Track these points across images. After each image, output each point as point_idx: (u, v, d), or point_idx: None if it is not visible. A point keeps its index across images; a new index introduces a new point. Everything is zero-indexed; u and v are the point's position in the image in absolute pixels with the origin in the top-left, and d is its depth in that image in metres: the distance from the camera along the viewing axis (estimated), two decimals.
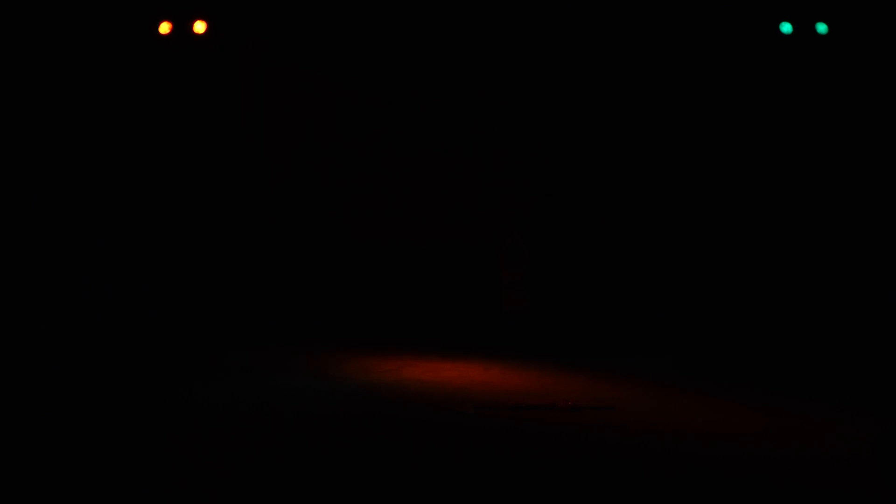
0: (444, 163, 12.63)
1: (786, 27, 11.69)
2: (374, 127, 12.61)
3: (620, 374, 9.57)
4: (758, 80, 12.05)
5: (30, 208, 11.51)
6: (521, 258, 10.97)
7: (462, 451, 6.56)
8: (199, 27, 11.68)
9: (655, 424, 7.38)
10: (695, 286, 12.06)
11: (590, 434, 7.08)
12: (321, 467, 6.17)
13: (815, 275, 11.62)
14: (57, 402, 7.88)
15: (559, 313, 11.55)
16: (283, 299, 12.31)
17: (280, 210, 12.70)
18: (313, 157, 12.60)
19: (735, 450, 6.67)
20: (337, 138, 12.62)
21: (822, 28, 11.64)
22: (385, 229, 12.61)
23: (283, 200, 12.66)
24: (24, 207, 11.49)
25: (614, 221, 12.40)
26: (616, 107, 12.29)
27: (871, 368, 9.53)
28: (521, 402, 7.96)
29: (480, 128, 12.63)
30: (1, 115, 11.54)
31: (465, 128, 12.63)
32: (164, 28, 11.67)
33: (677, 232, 12.23)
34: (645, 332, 11.97)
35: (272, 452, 6.45)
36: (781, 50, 11.92)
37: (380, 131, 12.63)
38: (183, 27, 11.67)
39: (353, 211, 12.65)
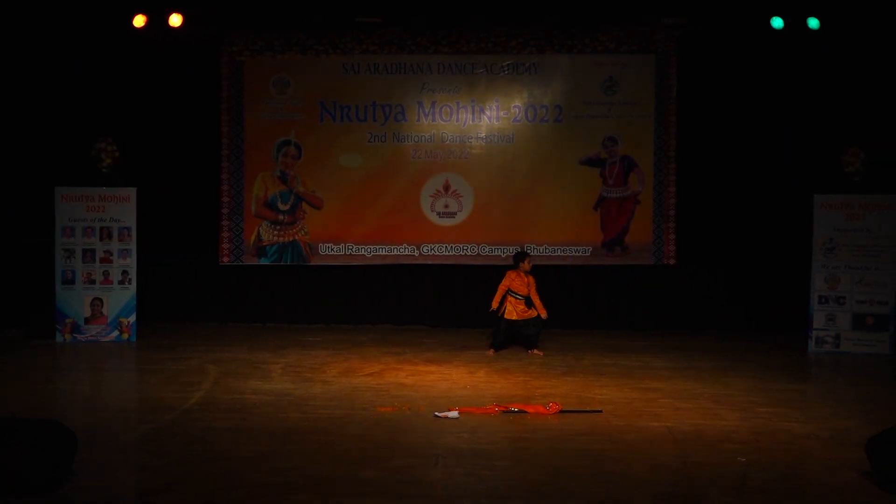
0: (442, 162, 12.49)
1: (777, 22, 11.55)
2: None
3: (614, 375, 9.37)
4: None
5: None
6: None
7: (445, 456, 6.33)
8: (175, 20, 11.43)
9: (642, 428, 7.16)
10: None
11: (575, 437, 6.85)
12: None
13: None
14: None
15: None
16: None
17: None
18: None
19: (725, 451, 6.47)
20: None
21: (813, 23, 11.50)
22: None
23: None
24: None
25: None
26: None
27: None
28: (507, 405, 7.73)
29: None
30: None
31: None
32: (139, 21, 11.43)
33: None
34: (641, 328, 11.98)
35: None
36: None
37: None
38: (159, 20, 11.45)
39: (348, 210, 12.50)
